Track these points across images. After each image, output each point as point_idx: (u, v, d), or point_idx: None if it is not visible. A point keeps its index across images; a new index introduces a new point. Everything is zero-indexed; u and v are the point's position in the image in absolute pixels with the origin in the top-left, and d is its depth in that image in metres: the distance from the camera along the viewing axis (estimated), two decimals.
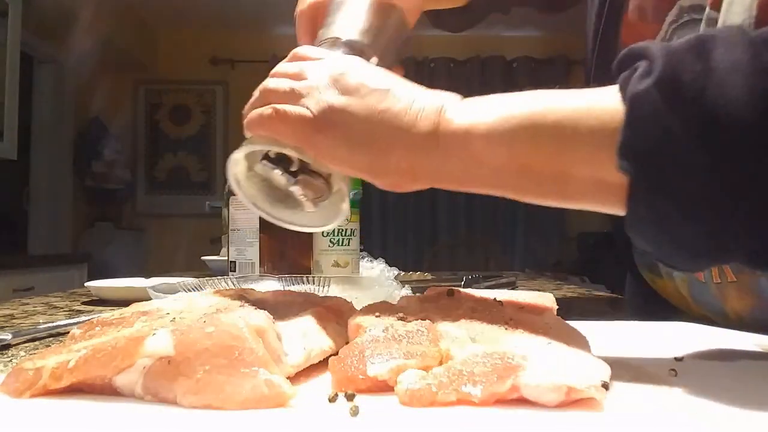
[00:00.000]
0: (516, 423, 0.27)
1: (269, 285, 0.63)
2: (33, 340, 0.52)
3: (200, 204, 3.81)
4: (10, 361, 0.43)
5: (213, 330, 0.31)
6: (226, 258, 0.92)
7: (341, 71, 0.44)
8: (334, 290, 0.62)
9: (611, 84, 0.40)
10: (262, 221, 0.86)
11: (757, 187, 0.32)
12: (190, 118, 4.18)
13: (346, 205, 0.47)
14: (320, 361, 0.37)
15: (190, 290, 0.58)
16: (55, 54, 3.20)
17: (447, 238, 3.99)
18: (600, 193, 0.38)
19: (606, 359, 0.34)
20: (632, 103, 0.35)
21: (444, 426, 0.27)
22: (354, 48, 0.52)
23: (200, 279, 0.61)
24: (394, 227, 4.07)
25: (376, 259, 1.00)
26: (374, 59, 0.52)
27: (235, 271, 0.88)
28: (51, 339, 0.52)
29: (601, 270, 2.99)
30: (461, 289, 0.48)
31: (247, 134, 0.47)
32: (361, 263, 0.91)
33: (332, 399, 0.30)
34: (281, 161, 0.46)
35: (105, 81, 3.64)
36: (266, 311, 0.36)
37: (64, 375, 0.31)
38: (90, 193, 3.62)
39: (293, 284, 0.63)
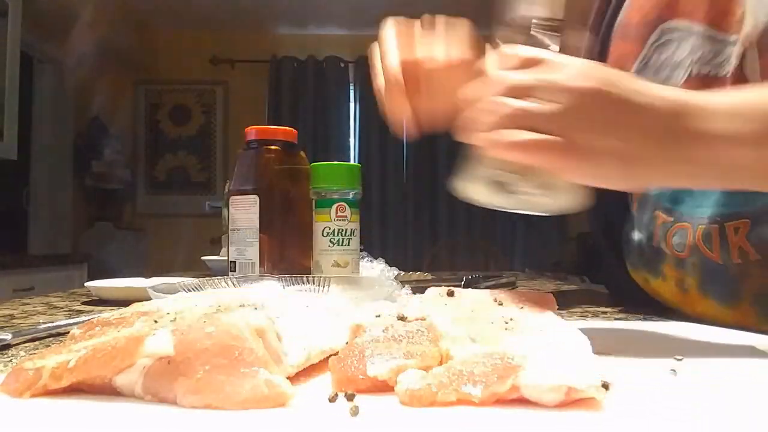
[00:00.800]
0: (516, 423, 0.27)
1: (269, 285, 0.62)
2: (33, 340, 0.52)
3: (200, 204, 3.82)
4: (10, 361, 0.43)
5: (213, 330, 0.31)
6: (226, 258, 0.92)
7: (591, 90, 0.42)
8: (334, 290, 0.62)
9: None
10: (262, 221, 0.86)
11: None
12: (190, 118, 4.18)
13: (580, 191, 0.46)
14: (320, 361, 0.37)
15: (190, 290, 0.58)
16: (55, 54, 3.20)
17: (447, 238, 3.99)
18: None
19: (606, 359, 0.34)
20: None
21: (444, 426, 0.27)
22: (556, 29, 0.48)
23: (200, 279, 0.61)
24: (394, 227, 4.07)
25: (376, 259, 0.99)
26: (580, 35, 0.51)
27: (235, 271, 0.87)
28: (51, 339, 0.52)
29: (601, 270, 2.99)
30: (461, 289, 0.48)
31: (481, 149, 0.45)
32: (361, 263, 0.91)
33: (332, 399, 0.30)
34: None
35: (105, 81, 3.64)
36: (266, 311, 0.36)
37: (64, 375, 0.31)
38: (90, 193, 3.62)
39: (293, 284, 0.63)
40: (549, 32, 0.48)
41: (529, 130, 0.42)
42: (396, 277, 0.95)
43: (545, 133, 0.41)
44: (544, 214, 0.50)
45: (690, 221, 0.62)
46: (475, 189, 0.48)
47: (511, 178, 0.46)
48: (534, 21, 0.49)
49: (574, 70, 0.43)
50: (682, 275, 0.63)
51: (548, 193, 0.46)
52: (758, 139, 0.42)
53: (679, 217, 0.63)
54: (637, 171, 0.43)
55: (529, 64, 0.44)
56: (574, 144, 0.42)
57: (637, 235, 0.70)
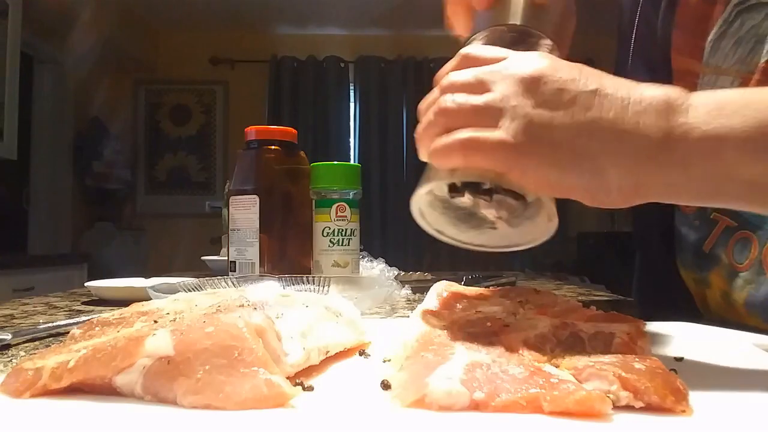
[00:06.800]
0: (520, 428, 0.27)
1: (269, 285, 0.63)
2: (33, 340, 0.52)
3: (200, 204, 3.82)
4: (10, 361, 0.43)
5: (213, 330, 0.31)
6: (226, 258, 0.92)
7: (532, 75, 0.37)
8: (334, 290, 0.62)
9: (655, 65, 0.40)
10: (262, 221, 0.86)
11: None
12: (190, 118, 4.18)
13: (548, 219, 0.40)
14: (320, 361, 0.37)
15: (190, 290, 0.58)
16: (55, 54, 3.20)
17: None
18: None
19: None
20: None
21: (444, 428, 0.27)
22: (523, 34, 0.44)
23: (200, 279, 0.61)
24: (394, 227, 4.07)
25: (376, 259, 1.00)
26: (547, 43, 0.44)
27: (235, 271, 0.88)
28: (51, 339, 0.52)
29: (601, 270, 2.99)
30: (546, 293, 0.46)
31: (431, 163, 0.39)
32: (361, 263, 0.91)
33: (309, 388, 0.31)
34: (470, 185, 0.39)
35: (105, 81, 3.65)
36: (266, 311, 0.36)
37: (64, 375, 0.31)
38: (90, 193, 3.62)
39: (293, 284, 0.63)
40: (517, 37, 0.44)
41: (470, 127, 0.36)
42: (396, 277, 0.95)
43: (488, 128, 0.36)
44: (509, 249, 0.42)
45: (757, 232, 0.55)
46: (432, 216, 0.42)
47: (470, 203, 0.40)
48: (499, 27, 0.44)
49: (516, 59, 0.38)
50: (728, 289, 0.58)
51: (515, 220, 0.40)
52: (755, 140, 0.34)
53: (744, 224, 0.56)
54: (609, 177, 0.36)
55: (471, 62, 0.39)
56: (524, 135, 0.35)
57: (692, 234, 0.63)
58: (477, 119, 0.37)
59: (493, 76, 0.38)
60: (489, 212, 0.40)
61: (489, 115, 0.36)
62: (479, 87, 0.38)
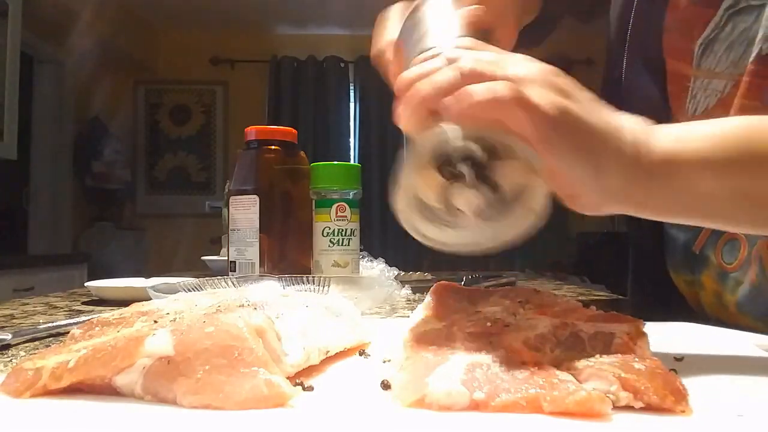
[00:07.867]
0: (520, 428, 0.27)
1: (269, 285, 0.62)
2: (33, 340, 0.52)
3: (200, 204, 3.83)
4: (10, 361, 0.43)
5: (213, 330, 0.31)
6: (226, 258, 0.92)
7: (543, 66, 0.37)
8: (334, 290, 0.62)
9: (649, 73, 0.41)
10: (262, 221, 0.86)
11: None
12: (190, 118, 4.18)
13: (530, 210, 0.37)
14: (320, 361, 0.37)
15: (190, 290, 0.58)
16: (55, 54, 3.20)
17: None
18: None
19: None
20: None
21: (444, 428, 0.27)
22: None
23: (200, 279, 0.61)
24: (394, 227, 4.06)
25: (376, 259, 1.00)
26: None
27: (235, 271, 0.88)
28: (51, 339, 0.52)
29: (601, 270, 2.99)
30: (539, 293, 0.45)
31: (446, 111, 0.35)
32: (361, 263, 0.91)
33: (308, 388, 0.31)
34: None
35: (105, 81, 3.65)
36: (266, 311, 0.36)
37: (64, 375, 0.31)
38: (90, 193, 3.62)
39: (293, 284, 0.63)
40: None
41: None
42: (396, 277, 0.95)
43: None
44: (475, 249, 0.40)
45: (744, 234, 0.57)
46: (406, 213, 0.39)
47: (443, 197, 0.37)
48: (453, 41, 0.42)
49: (511, 54, 0.38)
50: (721, 290, 0.60)
51: (487, 212, 0.37)
52: (726, 164, 0.37)
53: None
54: (604, 178, 0.37)
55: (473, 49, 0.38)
56: (558, 115, 0.35)
57: (681, 236, 0.64)
58: (508, 86, 0.35)
59: (502, 60, 0.37)
60: (462, 199, 0.37)
61: (522, 85, 0.35)
62: (494, 64, 0.36)
